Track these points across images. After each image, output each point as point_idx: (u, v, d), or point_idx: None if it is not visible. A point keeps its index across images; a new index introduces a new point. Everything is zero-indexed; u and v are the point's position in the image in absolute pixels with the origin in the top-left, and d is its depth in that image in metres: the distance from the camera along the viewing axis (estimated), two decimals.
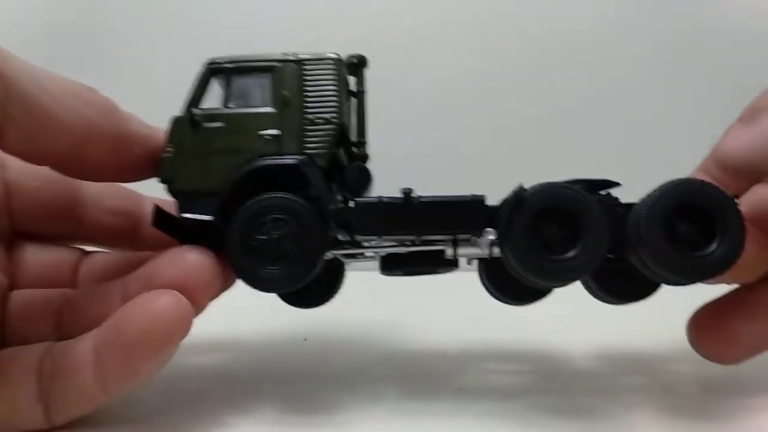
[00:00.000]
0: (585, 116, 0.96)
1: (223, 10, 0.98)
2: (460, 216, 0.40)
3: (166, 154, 0.41)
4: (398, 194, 0.41)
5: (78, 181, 0.45)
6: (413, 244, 0.43)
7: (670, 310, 0.45)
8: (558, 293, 0.46)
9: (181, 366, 0.50)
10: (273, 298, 0.44)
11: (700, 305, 0.45)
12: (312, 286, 0.49)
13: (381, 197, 0.41)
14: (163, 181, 0.41)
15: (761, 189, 0.43)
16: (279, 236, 0.39)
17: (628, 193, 0.42)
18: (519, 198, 0.39)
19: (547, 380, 0.48)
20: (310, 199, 0.40)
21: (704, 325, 0.44)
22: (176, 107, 0.42)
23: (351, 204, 0.41)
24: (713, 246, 0.38)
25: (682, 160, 0.47)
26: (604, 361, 0.52)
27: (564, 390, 0.45)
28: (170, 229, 0.41)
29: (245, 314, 0.55)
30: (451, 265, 0.45)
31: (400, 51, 0.94)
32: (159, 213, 0.41)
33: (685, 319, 0.44)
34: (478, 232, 0.40)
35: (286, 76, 0.42)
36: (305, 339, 0.56)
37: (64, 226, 0.45)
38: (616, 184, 0.44)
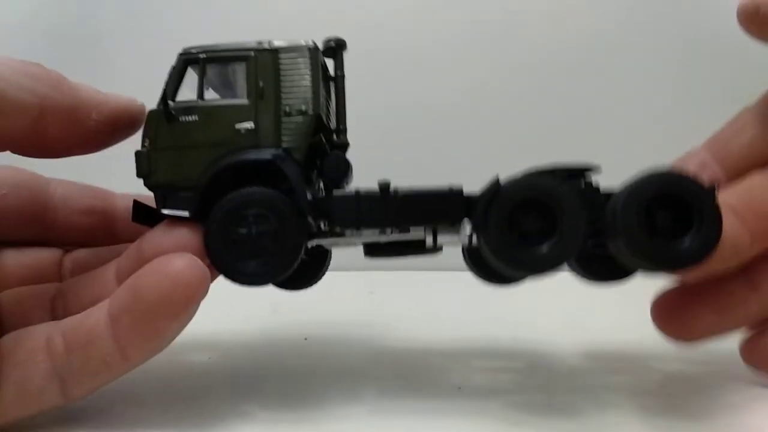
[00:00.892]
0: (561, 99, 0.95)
1: (219, 16, 0.98)
2: (437, 208, 0.40)
3: (142, 149, 0.41)
4: (375, 186, 0.41)
5: (45, 184, 0.45)
6: (393, 233, 0.43)
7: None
8: (546, 294, 0.46)
9: (181, 365, 0.51)
10: (270, 298, 0.44)
11: (666, 286, 0.45)
12: (297, 269, 0.50)
13: (358, 190, 0.41)
14: (140, 176, 0.41)
15: (757, 176, 0.43)
16: (259, 232, 0.39)
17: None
18: (494, 190, 0.38)
19: (539, 378, 0.48)
20: (289, 191, 0.40)
21: (668, 307, 0.44)
22: None
23: (329, 196, 0.41)
24: (689, 236, 0.37)
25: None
26: (588, 359, 0.52)
27: (547, 388, 0.45)
28: (150, 223, 0.41)
29: (245, 314, 0.55)
30: (435, 249, 0.45)
31: (378, 34, 0.93)
32: (138, 207, 0.41)
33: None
34: (456, 224, 0.40)
35: (261, 65, 0.41)
36: (306, 338, 0.57)
37: (36, 230, 0.45)
38: (596, 168, 0.43)
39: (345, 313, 0.51)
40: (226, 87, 0.42)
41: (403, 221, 0.40)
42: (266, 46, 0.41)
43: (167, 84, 0.41)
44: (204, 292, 0.37)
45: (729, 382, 0.45)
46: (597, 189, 0.41)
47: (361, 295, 0.50)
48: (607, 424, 0.39)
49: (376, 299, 0.49)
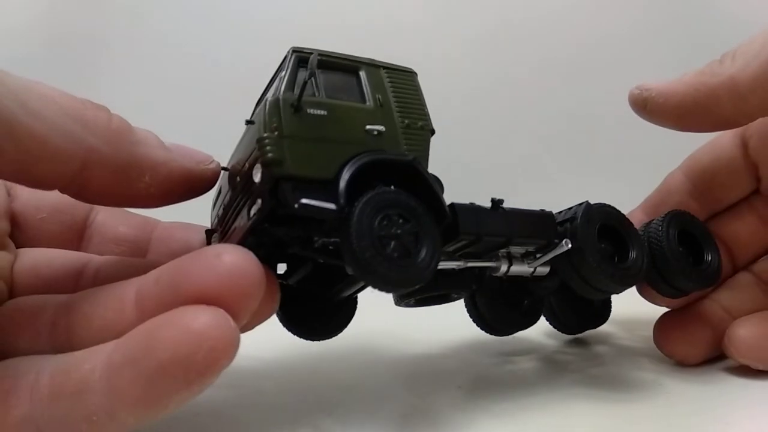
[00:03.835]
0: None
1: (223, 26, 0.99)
2: (539, 226, 0.44)
3: (268, 134, 0.36)
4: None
5: (88, 209, 0.42)
6: (466, 261, 0.44)
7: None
8: None
9: None
10: None
11: (664, 312, 0.53)
12: (324, 317, 0.46)
13: (473, 203, 0.42)
14: (268, 164, 0.35)
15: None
16: (403, 232, 0.37)
17: None
18: (588, 213, 0.44)
19: (538, 375, 0.52)
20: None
21: (668, 329, 0.51)
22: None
23: (451, 206, 0.41)
24: (708, 259, 0.48)
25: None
26: (584, 352, 0.58)
27: (547, 383, 0.49)
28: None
29: None
30: (467, 289, 0.47)
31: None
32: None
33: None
34: (554, 242, 0.43)
35: (374, 78, 0.41)
36: None
37: None
38: None
39: None
40: (333, 90, 0.40)
41: (513, 234, 0.42)
42: (375, 63, 0.42)
43: (287, 76, 0.38)
44: (229, 360, 0.29)
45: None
46: None
47: (360, 295, 0.49)
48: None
49: (376, 299, 0.47)
